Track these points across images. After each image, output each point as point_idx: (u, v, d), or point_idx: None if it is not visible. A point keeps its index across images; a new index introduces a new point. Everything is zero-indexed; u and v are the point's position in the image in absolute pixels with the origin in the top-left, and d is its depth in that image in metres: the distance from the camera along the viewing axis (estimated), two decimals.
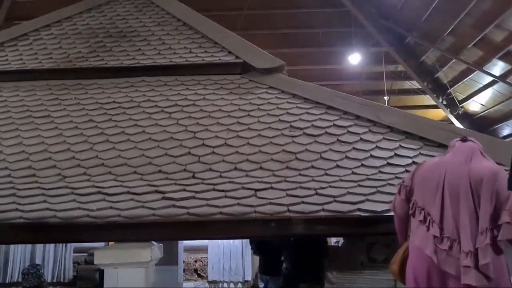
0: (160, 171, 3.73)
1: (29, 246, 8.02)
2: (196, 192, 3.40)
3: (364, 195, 3.32)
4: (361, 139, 4.01)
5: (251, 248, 7.42)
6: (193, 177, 3.64)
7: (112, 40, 5.63)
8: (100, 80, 5.12)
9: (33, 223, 3.20)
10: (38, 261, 7.77)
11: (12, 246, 7.89)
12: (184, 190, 3.45)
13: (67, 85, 5.11)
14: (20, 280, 7.19)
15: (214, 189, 3.44)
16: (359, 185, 3.46)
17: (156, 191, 3.44)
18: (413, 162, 3.71)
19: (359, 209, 3.15)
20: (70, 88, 5.06)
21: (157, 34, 5.69)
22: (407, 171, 3.62)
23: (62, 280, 7.97)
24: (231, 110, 4.50)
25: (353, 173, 3.62)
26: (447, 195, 2.54)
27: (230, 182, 3.53)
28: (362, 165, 3.71)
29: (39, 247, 8.02)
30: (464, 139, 2.74)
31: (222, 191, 3.41)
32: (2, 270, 7.98)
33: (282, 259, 5.44)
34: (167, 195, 3.37)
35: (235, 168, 3.72)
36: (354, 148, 3.91)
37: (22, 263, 7.88)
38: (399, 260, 2.72)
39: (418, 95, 13.75)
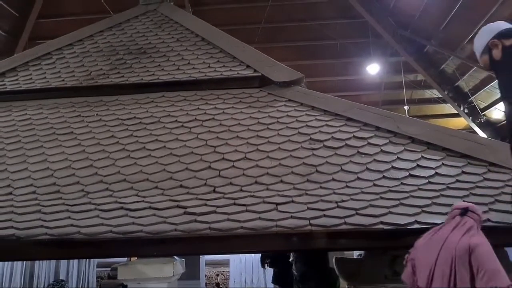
0: (181, 186, 3.76)
1: (53, 261, 8.12)
2: (217, 206, 3.41)
3: (387, 207, 3.28)
4: (381, 150, 3.98)
5: (262, 263, 7.40)
6: (214, 191, 3.65)
7: (132, 57, 5.73)
8: (121, 96, 5.20)
9: (58, 239, 3.25)
10: (62, 276, 7.87)
11: (37, 262, 8.01)
12: (205, 204, 3.46)
13: (89, 102, 5.21)
14: None
15: (235, 203, 3.45)
16: (381, 198, 3.42)
17: (178, 206, 3.46)
18: (436, 173, 3.66)
19: (381, 222, 3.11)
20: (92, 105, 5.16)
21: (176, 49, 5.77)
22: (430, 182, 3.58)
23: None
24: (250, 123, 4.52)
25: (374, 185, 3.59)
26: (438, 273, 2.55)
27: (251, 196, 3.53)
28: (384, 177, 3.67)
29: (63, 262, 8.12)
30: (463, 212, 2.73)
31: (243, 205, 3.41)
32: (27, 285, 8.09)
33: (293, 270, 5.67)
34: (188, 209, 3.39)
35: (256, 182, 3.72)
36: (375, 160, 3.87)
37: (47, 278, 7.99)
38: None
39: (439, 104, 13.59)
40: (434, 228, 2.83)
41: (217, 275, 8.25)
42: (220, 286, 8.22)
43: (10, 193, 3.91)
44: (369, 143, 4.08)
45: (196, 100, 4.99)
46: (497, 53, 2.46)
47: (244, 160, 4.02)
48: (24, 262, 8.09)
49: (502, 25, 2.59)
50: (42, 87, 5.42)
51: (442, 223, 3.10)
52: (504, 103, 2.56)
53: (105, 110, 5.06)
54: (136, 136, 4.52)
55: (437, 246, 2.65)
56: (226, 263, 8.02)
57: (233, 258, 7.99)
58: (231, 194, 3.57)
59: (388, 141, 4.08)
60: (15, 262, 8.09)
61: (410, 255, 2.82)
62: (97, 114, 5.01)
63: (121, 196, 3.70)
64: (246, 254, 7.86)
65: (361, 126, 4.31)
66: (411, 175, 3.67)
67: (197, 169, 3.94)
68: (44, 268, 8.12)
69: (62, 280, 5.19)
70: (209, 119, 4.65)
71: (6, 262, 8.14)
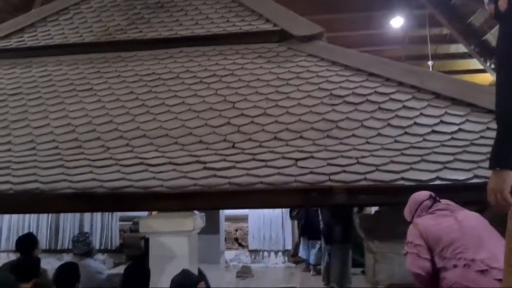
0: (200, 141, 3.76)
1: (77, 215, 8.37)
2: (237, 162, 3.42)
3: (408, 163, 3.23)
4: (404, 106, 3.89)
5: (291, 217, 7.57)
6: (233, 147, 3.65)
7: (150, 12, 5.63)
8: (139, 52, 5.16)
9: (81, 193, 3.32)
10: (86, 229, 8.12)
11: (62, 215, 8.27)
12: (225, 160, 3.47)
13: (107, 58, 5.19)
14: (70, 247, 7.56)
15: (254, 159, 3.45)
16: (403, 154, 3.36)
17: (197, 161, 3.48)
18: (460, 130, 3.57)
19: (402, 178, 3.07)
20: (111, 61, 5.14)
21: (194, 3, 5.64)
22: (453, 138, 3.50)
23: (109, 248, 8.32)
24: (270, 79, 4.45)
25: (396, 141, 3.53)
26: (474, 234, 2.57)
27: (270, 151, 3.52)
28: (406, 133, 3.60)
29: (87, 216, 8.36)
30: (435, 199, 2.78)
31: (262, 160, 3.40)
32: (54, 238, 8.40)
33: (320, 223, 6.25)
34: (208, 165, 3.40)
35: (275, 138, 3.70)
36: (397, 116, 3.79)
37: (71, 231, 8.26)
38: None
39: (464, 59, 13.14)
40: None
41: (236, 230, 8.40)
42: (239, 241, 8.38)
43: (34, 148, 3.99)
44: (391, 99, 3.98)
45: (214, 55, 4.92)
46: (502, 4, 2.29)
47: (264, 115, 3.99)
48: (49, 215, 8.36)
49: None
50: (61, 43, 5.40)
51: (464, 179, 3.06)
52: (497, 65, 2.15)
53: (123, 66, 5.03)
54: (155, 92, 4.51)
55: (449, 220, 2.67)
56: (245, 219, 8.15)
57: (252, 214, 8.10)
58: (250, 150, 3.57)
59: (411, 96, 3.97)
60: (41, 215, 8.38)
61: (418, 243, 2.68)
62: (116, 70, 4.99)
63: (141, 152, 3.73)
64: (265, 210, 7.97)
65: (383, 81, 4.20)
66: (434, 131, 3.59)
67: (216, 124, 3.93)
68: (68, 222, 8.38)
69: (86, 233, 5.35)
70: (228, 74, 4.60)
71: (33, 216, 8.44)
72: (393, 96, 4.00)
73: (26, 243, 4.61)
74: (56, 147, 3.95)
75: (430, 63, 12.45)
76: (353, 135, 3.63)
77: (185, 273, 2.87)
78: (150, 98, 4.43)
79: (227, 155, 3.53)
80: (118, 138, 3.96)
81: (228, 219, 7.41)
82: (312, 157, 3.41)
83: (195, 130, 3.91)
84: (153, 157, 3.61)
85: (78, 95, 4.68)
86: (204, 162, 3.45)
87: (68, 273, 3.59)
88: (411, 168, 3.19)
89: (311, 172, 3.22)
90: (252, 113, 4.01)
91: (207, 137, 3.80)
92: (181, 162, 3.50)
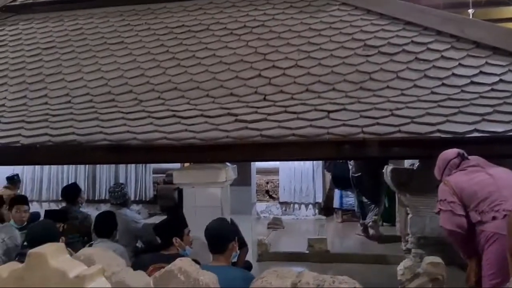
0: (231, 94, 3.75)
1: (113, 168, 8.63)
2: (268, 114, 3.40)
3: (445, 115, 3.14)
4: (442, 56, 3.74)
5: (326, 168, 7.66)
6: (265, 99, 3.62)
7: None
8: (168, 3, 5.09)
9: (116, 145, 3.39)
10: (121, 181, 8.38)
11: (98, 167, 8.54)
12: (256, 112, 3.45)
13: (137, 10, 5.15)
14: (107, 197, 7.85)
15: (286, 111, 3.42)
16: (439, 106, 3.26)
17: (229, 114, 3.48)
18: (501, 80, 3.42)
19: (439, 130, 2.99)
20: (140, 13, 5.10)
21: None
22: (493, 90, 3.36)
23: (143, 199, 8.59)
24: (302, 29, 4.34)
25: (432, 92, 3.42)
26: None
27: (302, 104, 3.48)
28: (443, 84, 3.48)
29: (121, 168, 8.60)
30: (463, 156, 2.82)
31: (294, 113, 3.37)
32: (91, 189, 8.72)
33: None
34: (239, 117, 3.40)
35: (307, 90, 3.65)
36: (434, 66, 3.66)
37: (107, 182, 8.54)
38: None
39: (508, 6, 12.42)
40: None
41: (267, 183, 8.49)
42: (270, 193, 8.50)
43: (69, 102, 4.07)
44: (428, 49, 3.83)
45: (245, 6, 4.80)
46: None
47: (295, 67, 3.92)
48: (86, 168, 8.65)
49: None
50: None
51: (503, 132, 2.96)
52: None
53: (153, 18, 4.99)
54: (186, 45, 4.48)
55: (480, 175, 2.69)
56: (275, 172, 8.22)
57: (282, 167, 8.15)
58: (282, 102, 3.54)
59: (450, 46, 3.81)
60: (78, 167, 8.68)
61: (451, 200, 2.67)
62: (146, 23, 4.97)
63: (173, 104, 3.76)
64: (295, 163, 8.00)
65: (420, 30, 4.03)
66: (473, 82, 3.45)
67: (247, 77, 3.89)
68: (104, 174, 8.66)
69: (122, 184, 5.52)
70: (259, 26, 4.50)
71: (71, 168, 8.75)
72: (430, 46, 3.85)
73: (70, 192, 4.88)
74: (91, 100, 4.02)
75: (470, 11, 11.81)
76: (388, 87, 3.54)
77: (222, 220, 2.94)
78: (181, 51, 4.41)
79: (258, 108, 3.51)
80: (150, 91, 3.99)
81: (259, 171, 7.48)
82: (344, 109, 3.35)
83: (226, 82, 3.89)
84: (185, 110, 3.63)
85: (109, 48, 4.70)
86: (236, 115, 3.44)
87: (106, 221, 3.74)
88: (448, 120, 3.10)
89: (344, 124, 3.18)
90: (284, 65, 3.95)
91: (238, 89, 3.78)
92: (212, 114, 3.50)
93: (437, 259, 2.92)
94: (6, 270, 1.17)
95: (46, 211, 4.32)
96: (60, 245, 1.23)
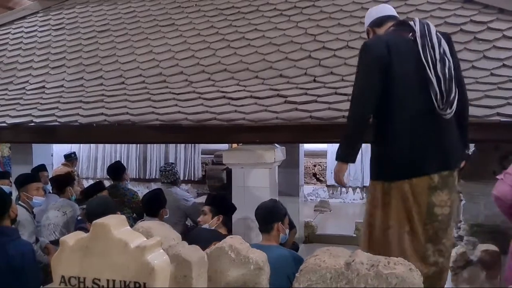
0: (281, 75, 3.73)
1: (163, 148, 8.86)
2: (318, 96, 3.36)
3: (505, 98, 2.98)
4: (504, 36, 3.55)
5: None
6: (314, 81, 3.59)
7: None
8: None
9: (168, 124, 3.47)
10: (171, 161, 8.60)
11: (149, 147, 8.80)
12: (306, 94, 3.42)
13: None
14: (157, 176, 8.08)
15: (336, 93, 3.37)
16: (499, 88, 3.11)
17: (278, 95, 3.47)
18: None
19: (498, 114, 2.85)
20: None
21: None
22: None
23: (192, 179, 8.79)
24: (353, 9, 4.24)
25: (492, 74, 3.26)
26: None
27: (352, 85, 3.40)
28: (504, 65, 3.31)
29: (171, 149, 8.82)
30: None
31: (345, 94, 3.31)
32: (142, 168, 9.01)
33: None
34: (289, 99, 3.39)
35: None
36: (494, 47, 3.48)
37: (158, 162, 8.79)
38: None
39: None
40: None
41: (314, 165, 8.45)
42: (317, 176, 8.45)
43: (123, 83, 4.20)
44: (489, 28, 3.64)
45: None
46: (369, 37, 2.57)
47: (346, 48, 3.84)
48: (138, 148, 8.93)
49: (378, 11, 2.58)
50: None
51: None
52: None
53: (203, 0, 5.03)
54: (235, 26, 4.49)
55: None
56: (323, 155, 8.16)
57: (330, 150, 8.06)
58: (332, 84, 3.49)
59: None
60: (130, 147, 8.98)
61: (507, 171, 2.56)
62: (196, 5, 5.01)
63: (222, 85, 3.79)
64: None
65: (480, 8, 3.84)
66: None
67: (297, 58, 3.86)
68: (155, 153, 8.92)
69: (172, 163, 5.69)
70: (309, 6, 4.44)
71: (124, 148, 9.07)
72: (491, 25, 3.66)
73: (115, 170, 5.08)
74: (143, 82, 4.13)
75: None
76: None
77: (271, 201, 2.97)
78: (231, 32, 4.42)
79: (308, 89, 3.48)
80: (200, 73, 4.04)
81: (307, 154, 7.45)
82: None
83: (275, 64, 3.87)
84: (235, 91, 3.66)
85: (161, 30, 4.79)
86: (285, 96, 3.43)
87: (154, 198, 3.87)
88: (508, 103, 2.95)
89: None
90: (334, 46, 3.88)
91: (288, 70, 3.76)
92: (262, 95, 3.51)
93: (492, 247, 2.83)
94: (73, 239, 1.24)
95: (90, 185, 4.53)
96: (122, 217, 1.28)
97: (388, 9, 2.59)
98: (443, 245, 2.33)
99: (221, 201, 3.48)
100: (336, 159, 2.38)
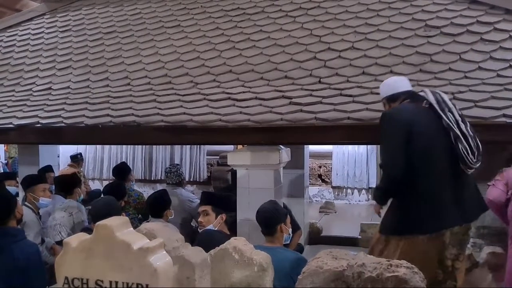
0: (286, 77, 3.74)
1: (168, 149, 8.88)
2: (323, 97, 3.36)
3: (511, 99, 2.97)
4: (510, 36, 3.53)
5: None
6: (319, 82, 3.58)
7: None
8: None
9: (173, 126, 3.48)
10: (176, 162, 8.61)
11: (154, 148, 8.82)
12: (311, 95, 3.42)
13: None
14: (163, 177, 8.10)
15: (341, 94, 3.36)
16: (506, 89, 3.09)
17: (283, 96, 3.47)
18: None
19: (504, 115, 2.84)
20: None
21: None
22: None
23: (197, 180, 8.79)
24: (359, 10, 4.23)
25: (498, 75, 3.24)
26: None
27: (358, 87, 3.41)
28: (511, 66, 3.29)
29: (177, 150, 8.84)
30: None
31: (350, 96, 3.31)
32: (148, 169, 9.03)
33: None
34: (294, 100, 3.38)
35: (363, 73, 3.57)
36: (501, 48, 3.46)
37: (163, 163, 8.81)
38: None
39: None
40: None
41: (320, 167, 8.42)
42: (322, 177, 8.43)
43: (129, 84, 4.22)
44: (495, 29, 3.63)
45: None
46: (386, 109, 2.77)
47: (351, 49, 3.84)
48: (143, 149, 8.96)
49: (392, 88, 2.74)
50: None
51: None
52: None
53: (209, 1, 5.05)
54: (240, 27, 4.50)
55: None
56: (329, 156, 8.13)
57: (336, 151, 8.05)
58: (337, 85, 3.48)
59: None
60: (136, 148, 9.00)
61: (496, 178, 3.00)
62: (201, 6, 5.02)
63: (228, 87, 3.79)
64: (349, 147, 7.88)
65: (487, 9, 3.82)
66: None
67: (302, 59, 3.86)
68: (160, 154, 8.94)
69: (177, 164, 5.69)
70: (314, 7, 4.44)
71: (129, 149, 9.10)
72: (497, 26, 3.64)
73: (120, 170, 5.09)
74: (148, 83, 4.14)
75: None
76: (450, 69, 3.39)
77: (271, 203, 2.96)
78: (236, 34, 4.43)
79: (313, 90, 3.47)
80: (205, 74, 4.05)
81: (312, 155, 7.43)
82: None
83: (280, 65, 3.87)
84: (240, 92, 3.66)
85: (166, 32, 4.80)
86: (290, 97, 3.43)
87: (159, 199, 3.87)
88: None
89: None
90: (339, 47, 3.88)
91: (293, 72, 3.76)
92: (267, 97, 3.51)
93: (498, 249, 2.81)
94: (76, 240, 1.25)
95: (105, 186, 4.54)
96: (125, 218, 1.29)
97: (401, 84, 2.77)
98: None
99: (222, 199, 3.48)
100: (374, 199, 2.82)
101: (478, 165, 2.42)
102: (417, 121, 2.49)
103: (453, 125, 2.44)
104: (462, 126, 2.44)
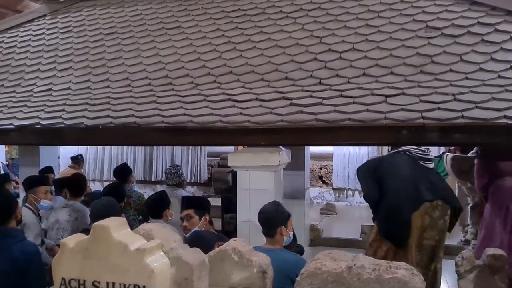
0: (286, 78, 3.72)
1: (169, 151, 8.88)
2: (324, 98, 3.34)
3: None
4: (511, 37, 3.51)
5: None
6: (320, 83, 3.57)
7: None
8: None
9: (173, 127, 3.47)
10: (177, 163, 8.61)
11: (155, 150, 8.82)
12: (311, 96, 3.41)
13: None
14: (163, 179, 8.09)
15: (342, 95, 3.35)
16: (507, 90, 3.07)
17: (284, 98, 3.46)
18: None
19: (505, 116, 2.82)
20: None
21: None
22: None
23: (198, 181, 8.80)
24: (360, 11, 4.22)
25: (499, 76, 3.23)
26: None
27: (358, 88, 3.40)
28: None
29: (177, 151, 8.84)
30: None
31: (351, 97, 3.30)
32: (148, 170, 9.03)
33: None
34: (294, 101, 3.37)
35: (364, 74, 3.55)
36: (502, 49, 3.45)
37: (164, 164, 8.81)
38: None
39: None
40: None
41: (321, 168, 8.41)
42: (323, 179, 8.42)
43: (129, 85, 4.21)
44: (496, 30, 3.61)
45: None
46: None
47: (352, 51, 3.83)
48: (144, 150, 8.96)
49: None
50: None
51: None
52: None
53: (210, 2, 5.05)
54: (241, 29, 4.49)
55: None
56: (329, 157, 8.12)
57: (337, 152, 8.04)
58: (337, 86, 3.47)
59: None
60: (136, 149, 9.01)
61: None
62: (202, 7, 5.02)
63: (228, 88, 3.78)
64: (350, 149, 7.88)
65: (487, 10, 3.81)
66: None
67: (303, 60, 3.85)
68: (161, 156, 8.95)
69: (178, 165, 5.70)
70: (315, 9, 4.43)
71: (130, 150, 9.10)
72: (498, 27, 3.63)
73: (121, 172, 5.09)
74: (149, 84, 4.14)
75: None
76: (450, 70, 3.38)
77: (273, 204, 2.95)
78: (236, 35, 4.42)
79: (314, 91, 3.46)
80: (206, 75, 4.04)
81: (313, 157, 7.43)
82: (403, 93, 3.24)
83: (281, 66, 3.87)
84: (240, 93, 3.65)
85: (167, 33, 4.80)
86: (291, 99, 3.42)
87: (157, 200, 3.88)
88: None
89: (402, 109, 3.07)
90: (340, 48, 3.87)
91: (293, 73, 3.75)
92: (267, 98, 3.50)
93: (499, 251, 2.79)
94: (73, 241, 1.24)
95: (105, 188, 4.53)
96: (122, 219, 1.28)
97: None
98: None
99: (201, 201, 3.53)
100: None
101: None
102: None
103: None
104: None
